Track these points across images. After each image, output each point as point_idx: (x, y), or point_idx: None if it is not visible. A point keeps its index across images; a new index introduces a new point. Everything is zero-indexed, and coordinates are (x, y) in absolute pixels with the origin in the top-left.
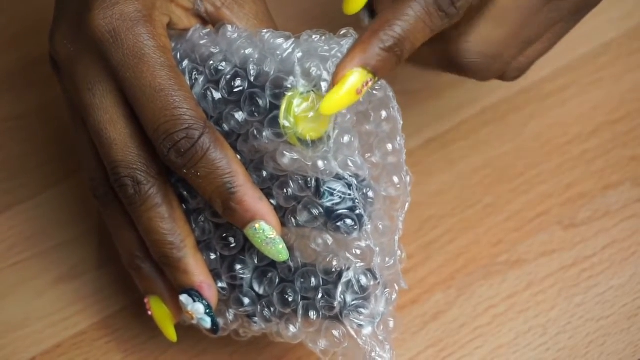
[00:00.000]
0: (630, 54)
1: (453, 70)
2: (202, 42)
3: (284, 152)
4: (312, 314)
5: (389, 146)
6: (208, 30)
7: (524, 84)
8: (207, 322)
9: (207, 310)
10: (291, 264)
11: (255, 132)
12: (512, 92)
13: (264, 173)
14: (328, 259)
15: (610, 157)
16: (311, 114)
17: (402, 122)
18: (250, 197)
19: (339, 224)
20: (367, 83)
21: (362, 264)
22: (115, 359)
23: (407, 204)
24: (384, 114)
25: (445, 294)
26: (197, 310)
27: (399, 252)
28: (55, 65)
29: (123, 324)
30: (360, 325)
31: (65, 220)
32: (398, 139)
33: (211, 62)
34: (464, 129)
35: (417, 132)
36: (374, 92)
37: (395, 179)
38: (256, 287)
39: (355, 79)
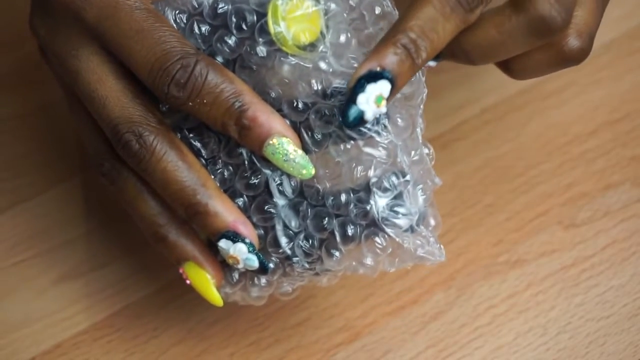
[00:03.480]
0: (630, 54)
1: (569, 64)
2: None
3: (282, 59)
4: (350, 229)
5: None
6: None
7: (524, 84)
8: (254, 261)
9: (251, 249)
10: (319, 186)
11: (248, 49)
12: (512, 92)
13: (272, 94)
14: (352, 168)
15: (610, 157)
16: (299, 13)
17: (397, 14)
18: (261, 111)
19: None
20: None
21: (387, 161)
22: (116, 358)
23: (424, 95)
24: (377, 10)
25: (445, 294)
26: (240, 250)
27: (425, 150)
28: (42, 53)
29: (124, 323)
30: (399, 227)
31: (67, 219)
32: None
33: None
34: (464, 129)
35: None
36: None
37: None
38: (290, 222)
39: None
